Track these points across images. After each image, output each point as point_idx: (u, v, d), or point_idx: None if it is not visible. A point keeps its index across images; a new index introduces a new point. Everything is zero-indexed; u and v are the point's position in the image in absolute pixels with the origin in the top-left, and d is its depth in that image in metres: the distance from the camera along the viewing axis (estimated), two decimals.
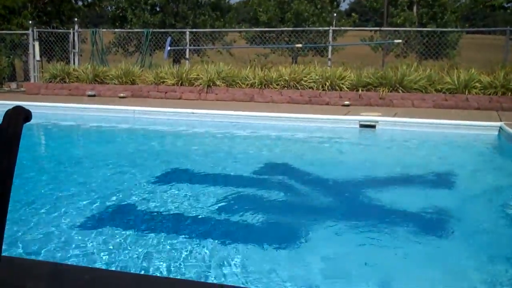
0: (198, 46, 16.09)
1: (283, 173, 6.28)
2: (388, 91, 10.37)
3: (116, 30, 20.35)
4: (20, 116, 1.49)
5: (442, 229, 4.36)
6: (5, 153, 1.46)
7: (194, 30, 15.89)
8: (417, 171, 6.55)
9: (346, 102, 10.28)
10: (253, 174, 6.16)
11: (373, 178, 6.07)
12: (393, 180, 6.04)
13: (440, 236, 4.18)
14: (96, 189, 5.35)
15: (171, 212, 4.66)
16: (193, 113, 9.70)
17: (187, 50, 14.11)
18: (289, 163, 6.94)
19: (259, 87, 10.97)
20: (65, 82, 12.46)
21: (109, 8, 25.07)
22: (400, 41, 13.53)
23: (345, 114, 9.16)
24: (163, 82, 11.72)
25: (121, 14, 23.70)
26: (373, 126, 8.59)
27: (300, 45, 13.57)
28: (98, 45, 13.85)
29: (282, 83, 10.89)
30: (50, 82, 12.53)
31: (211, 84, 11.25)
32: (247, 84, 11.11)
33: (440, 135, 8.35)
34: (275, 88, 10.89)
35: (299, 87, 10.78)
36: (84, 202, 4.82)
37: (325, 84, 10.65)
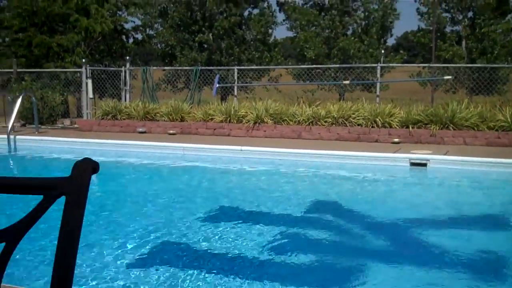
0: (245, 82, 16.26)
1: (331, 212, 6.21)
2: (438, 129, 10.20)
3: (166, 68, 20.80)
4: (89, 167, 1.51)
5: (496, 275, 4.20)
6: (73, 204, 1.48)
7: (242, 67, 16.09)
8: (471, 212, 6.37)
9: (396, 140, 10.15)
10: (300, 213, 6.12)
11: (424, 218, 5.93)
12: (445, 221, 5.88)
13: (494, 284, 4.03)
14: (145, 225, 5.39)
15: (219, 251, 4.65)
16: (241, 150, 9.74)
17: (235, 87, 14.27)
18: (337, 202, 6.87)
19: (307, 124, 10.96)
20: (116, 119, 12.74)
21: (158, 45, 25.69)
22: (450, 77, 13.36)
23: (395, 152, 9.04)
24: (212, 119, 11.85)
25: (170, 52, 24.26)
26: (424, 165, 8.44)
27: (347, 82, 13.56)
28: (149, 83, 14.17)
29: (330, 120, 10.86)
30: (103, 119, 12.83)
31: (259, 121, 11.31)
32: (295, 121, 11.13)
33: (494, 174, 8.12)
34: (323, 125, 10.86)
35: (348, 124, 10.73)
36: (132, 239, 4.86)
37: (374, 121, 10.56)
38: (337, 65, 17.10)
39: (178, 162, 9.91)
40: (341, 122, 10.80)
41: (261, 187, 8.07)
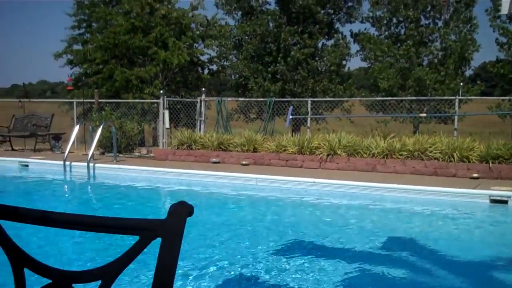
0: (318, 113, 16.25)
1: (405, 249, 6.07)
2: None
3: (240, 99, 21.09)
4: (184, 211, 1.56)
5: None
6: (168, 247, 1.53)
7: (316, 99, 16.10)
8: None
9: (475, 175, 9.82)
10: (373, 249, 6.00)
11: (505, 259, 5.68)
12: None
13: None
14: (218, 255, 5.43)
15: (289, 284, 4.62)
16: (314, 182, 9.71)
17: (309, 119, 14.29)
18: (412, 238, 6.70)
19: (382, 157, 10.81)
20: (191, 148, 13.00)
21: (232, 76, 26.13)
22: None
23: (474, 188, 8.74)
24: (285, 150, 11.89)
25: (243, 82, 24.61)
26: (505, 202, 8.11)
27: (424, 115, 13.30)
28: (223, 113, 14.42)
29: (406, 153, 10.66)
30: (178, 148, 13.13)
31: (332, 153, 11.25)
32: (369, 154, 10.99)
33: None
34: (398, 158, 10.67)
35: (424, 158, 10.49)
36: (199, 268, 4.91)
37: (452, 155, 10.28)
38: (414, 98, 16.80)
39: (250, 192, 9.98)
40: (417, 156, 10.58)
41: (333, 220, 7.98)
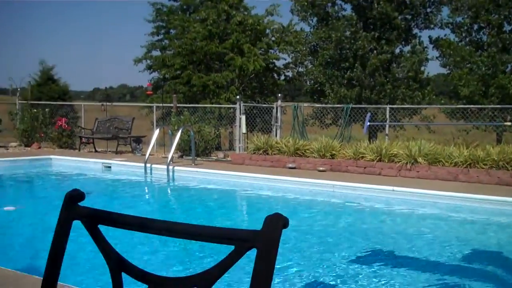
0: (396, 120, 15.93)
1: (492, 263, 5.83)
2: None
3: (316, 105, 21.02)
4: (280, 222, 1.55)
5: None
6: (264, 258, 1.52)
7: (394, 106, 15.81)
8: None
9: None
10: (458, 260, 5.81)
11: None
12: None
13: None
14: (295, 262, 5.41)
15: None
16: (393, 190, 9.51)
17: (387, 126, 14.04)
18: (501, 252, 6.43)
19: (464, 166, 10.45)
20: (267, 154, 13.05)
21: (307, 82, 26.09)
22: None
23: None
24: (362, 157, 11.72)
25: (319, 88, 24.52)
26: None
27: (509, 123, 12.77)
28: (299, 119, 14.40)
29: (490, 162, 10.25)
30: (254, 153, 13.21)
31: (412, 161, 10.98)
32: (451, 163, 10.65)
33: None
34: (482, 168, 10.28)
35: (510, 168, 10.06)
36: (286, 276, 4.89)
37: None
38: (498, 106, 16.16)
39: (327, 199, 9.90)
40: (502, 166, 10.16)
41: (413, 229, 7.79)
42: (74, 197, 1.68)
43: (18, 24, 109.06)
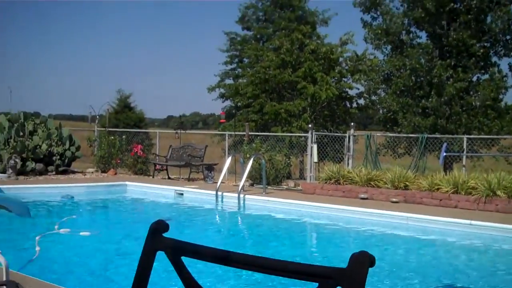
0: (473, 151, 15.41)
1: None
2: None
3: (390, 134, 20.66)
4: (366, 260, 1.50)
5: None
6: None
7: (471, 136, 15.33)
8: None
9: None
10: None
11: None
12: None
13: None
14: None
15: None
16: (470, 224, 9.15)
17: (464, 157, 13.60)
18: None
19: None
20: (339, 183, 12.89)
21: (380, 110, 25.72)
22: None
23: None
24: (438, 189, 11.37)
25: (392, 117, 24.10)
26: None
27: None
28: (372, 148, 14.18)
29: None
30: (326, 183, 13.08)
31: (491, 194, 10.55)
32: None
33: None
34: None
35: None
36: None
37: None
38: None
39: (401, 232, 9.65)
40: None
41: (492, 265, 7.45)
42: (158, 229, 1.70)
43: (98, 53, 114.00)
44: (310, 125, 15.43)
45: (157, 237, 1.71)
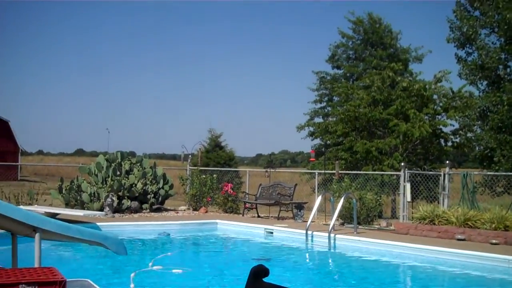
0: None
1: None
2: None
3: (489, 173, 19.78)
4: None
5: None
6: None
7: None
8: None
9: None
10: None
11: None
12: None
13: None
14: None
15: None
16: None
17: None
18: None
19: None
20: (434, 224, 12.40)
21: (476, 148, 24.75)
22: None
23: None
24: None
25: (489, 154, 23.12)
26: None
27: None
28: (469, 188, 13.58)
29: None
30: (420, 223, 12.63)
31: None
32: None
33: None
34: None
35: None
36: None
37: None
38: None
39: (502, 276, 9.09)
40: None
41: None
42: (259, 272, 1.66)
43: (191, 95, 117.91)
44: (403, 164, 15.01)
45: (257, 281, 1.68)
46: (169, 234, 12.71)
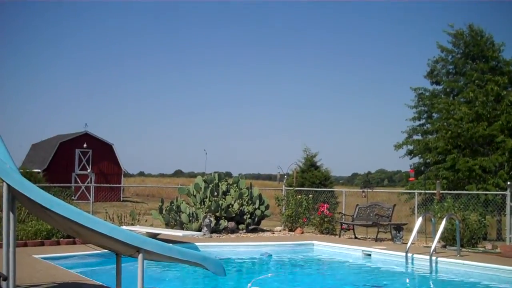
0: None
1: None
2: None
3: None
4: None
5: None
6: None
7: None
8: None
9: None
10: None
11: None
12: None
13: None
14: None
15: None
16: None
17: None
18: None
19: None
20: None
21: None
22: None
23: None
24: None
25: None
26: None
27: None
28: None
29: None
30: None
31: None
32: None
33: None
34: None
35: None
36: None
37: None
38: None
39: None
40: None
41: None
42: None
43: (287, 114, 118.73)
44: (509, 183, 14.21)
45: None
46: (271, 255, 12.73)
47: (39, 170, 41.23)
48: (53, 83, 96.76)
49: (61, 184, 20.39)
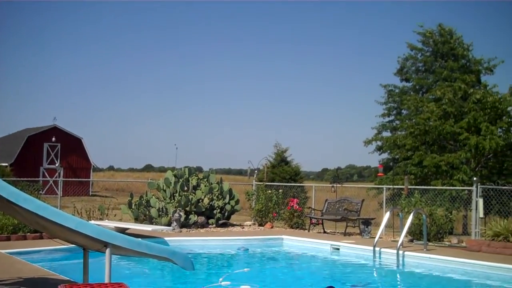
0: None
1: None
2: None
3: None
4: None
5: None
6: None
7: None
8: None
9: None
10: None
11: None
12: None
13: None
14: None
15: None
16: None
17: None
18: None
19: None
20: (508, 240, 11.90)
21: None
22: None
23: None
24: None
25: None
26: None
27: None
28: None
29: None
30: (493, 239, 12.15)
31: None
32: None
33: None
34: None
35: None
36: None
37: None
38: None
39: None
40: None
41: None
42: None
43: (257, 110, 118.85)
44: (475, 178, 14.48)
45: None
46: (247, 249, 12.76)
47: (7, 164, 40.55)
48: (22, 76, 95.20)
49: (29, 178, 20.08)
